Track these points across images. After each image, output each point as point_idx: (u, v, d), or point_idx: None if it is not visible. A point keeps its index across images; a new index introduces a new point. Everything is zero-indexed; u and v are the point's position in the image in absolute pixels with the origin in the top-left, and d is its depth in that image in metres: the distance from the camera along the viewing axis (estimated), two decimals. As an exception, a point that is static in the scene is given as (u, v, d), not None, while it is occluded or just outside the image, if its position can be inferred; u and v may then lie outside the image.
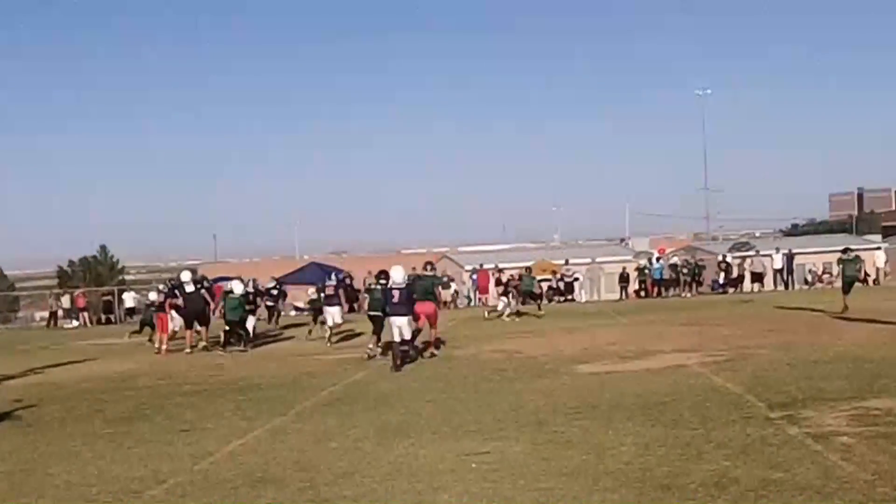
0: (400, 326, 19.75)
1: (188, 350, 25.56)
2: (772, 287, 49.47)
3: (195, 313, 26.37)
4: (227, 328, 26.58)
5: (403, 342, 19.69)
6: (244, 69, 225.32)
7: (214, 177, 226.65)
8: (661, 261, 51.71)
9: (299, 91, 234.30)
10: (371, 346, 21.72)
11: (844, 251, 29.97)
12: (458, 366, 19.43)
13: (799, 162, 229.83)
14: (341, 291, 27.59)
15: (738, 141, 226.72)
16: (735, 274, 50.03)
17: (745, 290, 48.42)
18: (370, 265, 49.08)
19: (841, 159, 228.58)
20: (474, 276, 50.64)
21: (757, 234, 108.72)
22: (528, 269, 40.00)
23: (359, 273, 41.43)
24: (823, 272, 54.14)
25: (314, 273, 41.54)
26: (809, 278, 53.56)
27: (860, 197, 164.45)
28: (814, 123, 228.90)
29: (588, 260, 52.61)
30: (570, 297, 48.70)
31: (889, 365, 15.37)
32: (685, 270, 49.28)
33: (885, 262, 54.15)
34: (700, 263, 50.29)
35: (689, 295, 47.14)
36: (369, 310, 21.88)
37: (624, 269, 51.20)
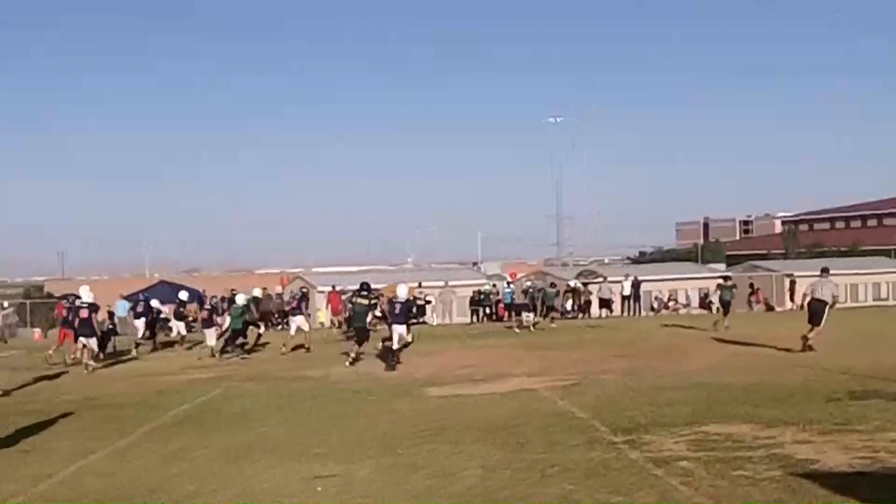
0: (400, 333, 22.93)
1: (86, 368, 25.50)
2: (619, 313, 50.40)
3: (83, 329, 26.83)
4: (229, 336, 27.86)
5: (404, 345, 22.93)
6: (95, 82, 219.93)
7: (61, 189, 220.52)
8: (511, 285, 52.28)
9: (152, 101, 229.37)
10: (354, 353, 23.56)
11: (725, 279, 33.51)
12: (310, 387, 19.34)
13: (648, 190, 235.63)
14: (303, 304, 30.68)
15: (589, 168, 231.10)
16: (583, 300, 50.82)
17: (592, 315, 49.20)
18: (223, 284, 48.63)
19: (688, 189, 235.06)
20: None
21: (606, 261, 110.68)
22: (553, 283, 41.78)
23: (213, 291, 41.05)
24: (669, 299, 55.39)
25: (163, 291, 41.06)
26: (656, 305, 54.70)
27: (706, 226, 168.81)
28: (663, 152, 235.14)
29: (441, 283, 52.79)
30: (422, 319, 48.79)
31: (730, 391, 15.87)
32: (531, 293, 49.90)
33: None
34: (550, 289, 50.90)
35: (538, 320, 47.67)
36: (354, 322, 24.28)
37: (475, 292, 51.54)
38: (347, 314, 30.50)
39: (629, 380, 18.24)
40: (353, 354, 23.71)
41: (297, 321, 29.14)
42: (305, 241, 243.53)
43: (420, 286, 50.73)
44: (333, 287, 49.28)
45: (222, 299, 35.94)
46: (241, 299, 28.87)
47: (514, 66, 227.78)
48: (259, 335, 30.13)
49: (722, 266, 71.72)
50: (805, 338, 22.36)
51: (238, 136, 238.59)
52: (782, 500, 8.34)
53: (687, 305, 55.66)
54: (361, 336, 23.88)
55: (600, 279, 54.82)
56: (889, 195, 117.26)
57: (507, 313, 50.07)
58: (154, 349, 31.66)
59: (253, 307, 29.89)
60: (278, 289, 46.58)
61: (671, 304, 54.88)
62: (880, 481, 9.03)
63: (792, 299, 53.75)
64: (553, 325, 36.08)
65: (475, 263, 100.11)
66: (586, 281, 54.20)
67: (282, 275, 72.29)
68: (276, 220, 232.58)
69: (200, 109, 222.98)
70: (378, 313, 25.87)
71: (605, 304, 49.97)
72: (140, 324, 31.78)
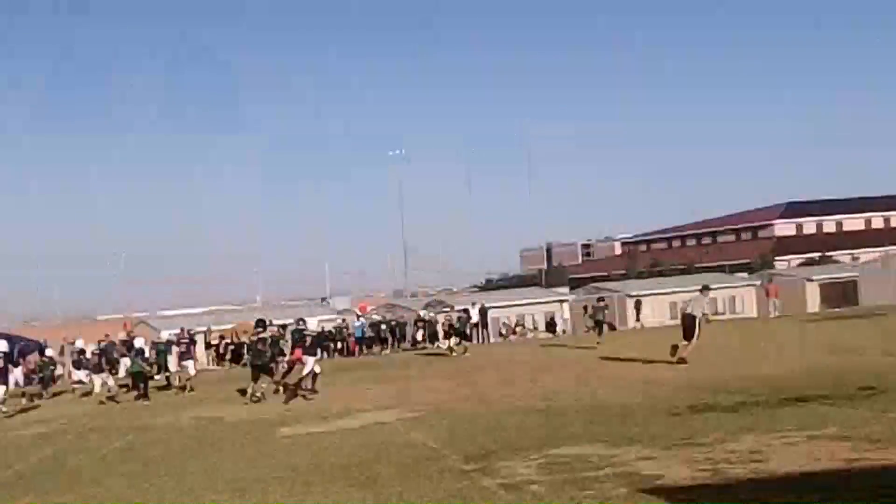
0: (310, 364, 23.47)
1: None
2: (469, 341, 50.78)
3: None
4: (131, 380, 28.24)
5: (314, 376, 23.54)
6: None
7: None
8: (361, 319, 52.26)
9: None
10: (258, 392, 23.66)
11: (599, 300, 35.79)
12: (156, 436, 18.90)
13: (493, 219, 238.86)
14: (192, 348, 31.94)
15: (435, 199, 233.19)
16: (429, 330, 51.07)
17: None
18: (64, 332, 47.34)
19: (531, 216, 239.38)
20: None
21: (454, 290, 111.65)
22: (466, 310, 41.96)
23: (53, 340, 39.90)
24: (517, 324, 56.16)
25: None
26: (503, 331, 55.39)
27: (549, 251, 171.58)
28: (506, 181, 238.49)
29: (290, 320, 52.40)
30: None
31: (578, 412, 16.23)
32: (384, 327, 50.08)
33: (571, 313, 57.07)
34: (400, 320, 51.12)
35: (388, 352, 47.78)
36: (254, 360, 24.46)
37: (323, 328, 51.32)
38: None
39: (479, 407, 18.44)
40: (250, 391, 23.74)
41: (188, 365, 30.13)
42: (150, 285, 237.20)
43: (272, 324, 50.31)
44: (182, 329, 48.52)
45: (116, 344, 35.64)
46: (139, 342, 29.33)
47: (360, 95, 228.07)
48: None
49: (566, 290, 73.11)
50: (675, 348, 23.80)
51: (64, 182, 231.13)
52: (629, 517, 8.57)
53: (534, 329, 56.53)
54: (262, 372, 23.99)
55: (447, 309, 55.26)
56: (722, 213, 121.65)
57: (357, 347, 50.06)
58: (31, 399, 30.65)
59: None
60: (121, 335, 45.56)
61: (518, 329, 55.65)
62: (721, 492, 9.34)
63: (638, 319, 55.22)
64: (466, 355, 35.62)
65: (324, 299, 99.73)
66: (433, 311, 54.44)
67: (125, 320, 70.73)
68: (118, 264, 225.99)
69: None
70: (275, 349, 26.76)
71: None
72: (18, 373, 31.22)
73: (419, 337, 50.46)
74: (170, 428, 20.03)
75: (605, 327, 36.67)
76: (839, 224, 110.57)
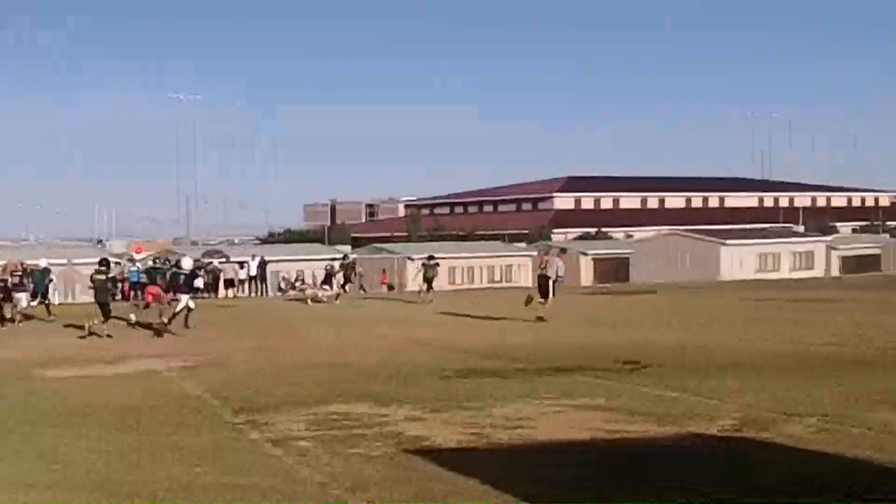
0: (186, 302, 24.95)
1: None
2: (246, 293, 50.47)
3: None
4: None
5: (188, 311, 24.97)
6: None
7: None
8: (137, 263, 51.07)
9: None
10: (105, 328, 23.86)
11: (429, 258, 37.85)
12: None
13: (277, 172, 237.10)
14: (26, 281, 30.69)
15: (223, 148, 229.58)
16: (210, 279, 50.47)
17: (219, 295, 48.94)
18: None
19: (316, 172, 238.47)
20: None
21: (236, 241, 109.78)
22: (346, 256, 43.77)
23: None
24: (296, 279, 55.93)
25: None
26: (283, 285, 55.16)
27: (333, 209, 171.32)
28: (293, 134, 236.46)
29: (64, 261, 50.76)
30: (44, 301, 46.65)
31: (352, 370, 16.50)
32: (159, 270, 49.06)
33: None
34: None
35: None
36: (97, 297, 24.77)
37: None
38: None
39: (256, 360, 18.40)
40: (91, 325, 23.76)
41: (21, 297, 29.76)
42: None
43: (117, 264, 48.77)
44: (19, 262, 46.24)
45: None
46: None
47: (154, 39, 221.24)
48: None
49: (348, 248, 73.14)
50: (533, 308, 25.41)
51: None
52: (392, 476, 8.72)
53: (313, 286, 56.44)
54: (105, 311, 24.26)
55: (224, 259, 54.71)
56: (503, 183, 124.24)
57: (132, 292, 48.94)
58: None
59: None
60: None
61: (298, 284, 55.45)
62: (485, 456, 9.65)
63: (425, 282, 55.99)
64: (337, 302, 37.00)
65: (100, 241, 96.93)
66: (210, 260, 53.76)
67: None
68: None
69: None
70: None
71: (230, 283, 49.98)
72: None
73: (200, 285, 49.73)
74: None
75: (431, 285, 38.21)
76: (616, 201, 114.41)
